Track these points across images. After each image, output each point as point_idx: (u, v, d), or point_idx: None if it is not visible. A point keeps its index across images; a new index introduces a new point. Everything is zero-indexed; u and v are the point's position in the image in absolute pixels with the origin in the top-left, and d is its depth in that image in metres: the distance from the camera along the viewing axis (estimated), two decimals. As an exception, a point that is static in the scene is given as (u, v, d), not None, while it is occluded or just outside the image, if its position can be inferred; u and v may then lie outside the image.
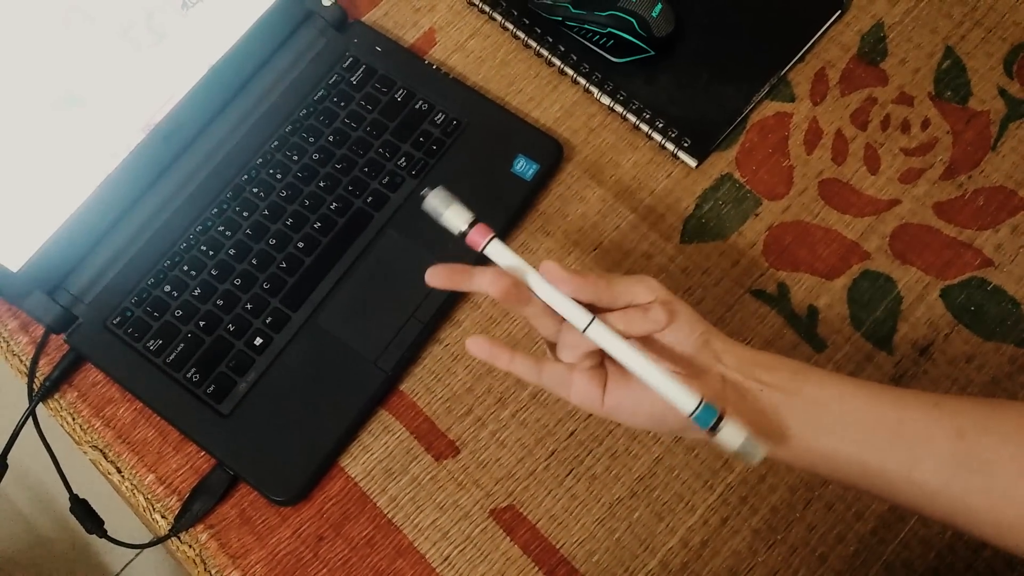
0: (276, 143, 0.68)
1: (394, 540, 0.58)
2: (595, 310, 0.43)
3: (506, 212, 0.65)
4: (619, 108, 0.69)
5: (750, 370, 0.43)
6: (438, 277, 0.43)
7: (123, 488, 0.61)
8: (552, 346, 0.46)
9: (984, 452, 0.39)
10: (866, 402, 0.42)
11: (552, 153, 0.67)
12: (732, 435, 0.41)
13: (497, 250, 0.43)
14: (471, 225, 0.43)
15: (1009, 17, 0.70)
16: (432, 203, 0.43)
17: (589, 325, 0.41)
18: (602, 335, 0.42)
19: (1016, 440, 0.39)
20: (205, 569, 0.58)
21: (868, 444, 0.42)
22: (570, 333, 0.43)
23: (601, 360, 0.45)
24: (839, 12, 0.71)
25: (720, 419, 0.40)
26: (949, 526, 0.43)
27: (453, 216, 0.43)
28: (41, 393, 0.62)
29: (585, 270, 0.43)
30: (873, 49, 0.70)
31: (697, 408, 0.40)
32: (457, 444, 0.60)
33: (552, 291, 0.42)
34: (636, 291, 0.43)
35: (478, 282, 0.43)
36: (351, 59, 0.70)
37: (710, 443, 0.42)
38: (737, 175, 0.67)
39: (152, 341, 0.62)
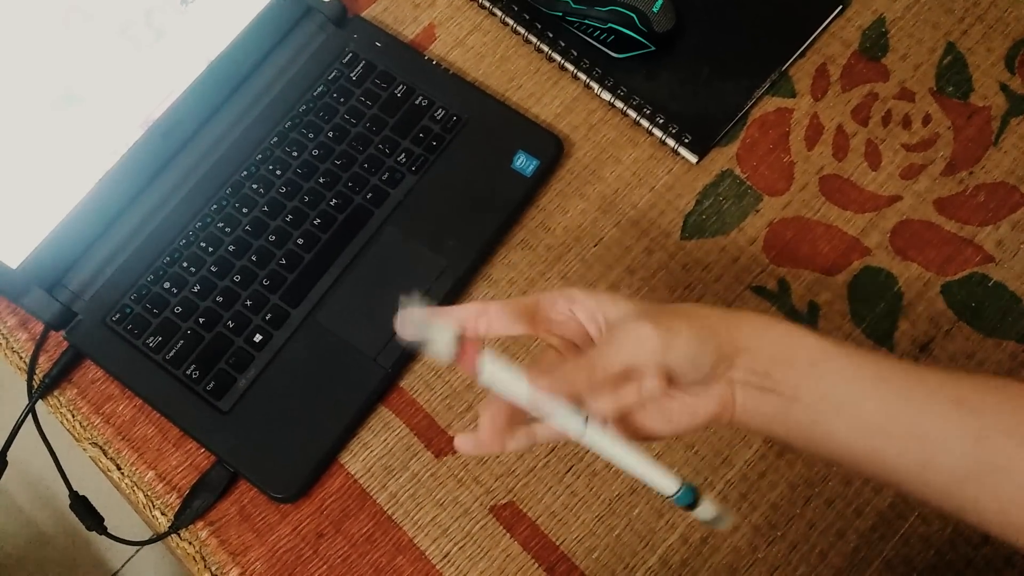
0: (275, 139, 0.68)
1: (394, 537, 0.58)
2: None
3: (506, 208, 0.65)
4: (619, 104, 0.68)
5: (764, 369, 0.42)
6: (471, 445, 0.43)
7: (123, 485, 0.61)
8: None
9: (1001, 457, 0.39)
10: (883, 402, 0.41)
11: (552, 149, 0.67)
12: (706, 511, 0.42)
13: (492, 369, 0.41)
14: (459, 345, 0.41)
15: (1011, 12, 0.70)
16: (407, 329, 0.41)
17: (584, 433, 0.40)
18: (597, 441, 0.40)
19: None
20: (205, 566, 0.58)
21: (881, 443, 0.41)
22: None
23: None
24: (840, 7, 0.70)
25: (697, 498, 0.41)
26: (957, 519, 0.43)
27: (435, 345, 0.41)
28: (40, 390, 0.62)
29: (570, 360, 0.40)
30: (874, 44, 0.70)
31: (677, 491, 0.41)
32: (457, 441, 0.60)
33: (545, 401, 0.40)
34: (633, 361, 0.40)
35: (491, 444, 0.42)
36: (350, 55, 0.70)
37: (708, 440, 0.42)
38: (738, 171, 0.67)
39: (151, 338, 0.62)
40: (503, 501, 0.59)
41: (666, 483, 0.41)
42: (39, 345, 0.64)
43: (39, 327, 0.65)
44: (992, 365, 0.59)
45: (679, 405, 0.42)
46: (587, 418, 0.40)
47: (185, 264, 0.64)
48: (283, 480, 0.59)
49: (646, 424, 0.43)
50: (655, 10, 0.67)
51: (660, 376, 0.39)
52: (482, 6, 0.73)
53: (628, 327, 0.40)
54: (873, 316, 0.62)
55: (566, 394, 0.39)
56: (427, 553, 0.58)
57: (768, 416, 0.42)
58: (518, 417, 0.42)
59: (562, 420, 0.40)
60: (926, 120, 0.67)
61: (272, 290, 0.63)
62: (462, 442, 0.43)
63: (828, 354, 0.42)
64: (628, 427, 0.43)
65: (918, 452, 0.40)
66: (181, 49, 0.66)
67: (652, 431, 0.43)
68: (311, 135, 0.68)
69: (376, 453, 0.60)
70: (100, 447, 0.62)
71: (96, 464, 0.62)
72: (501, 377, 0.41)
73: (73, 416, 0.63)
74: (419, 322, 0.40)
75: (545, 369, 0.40)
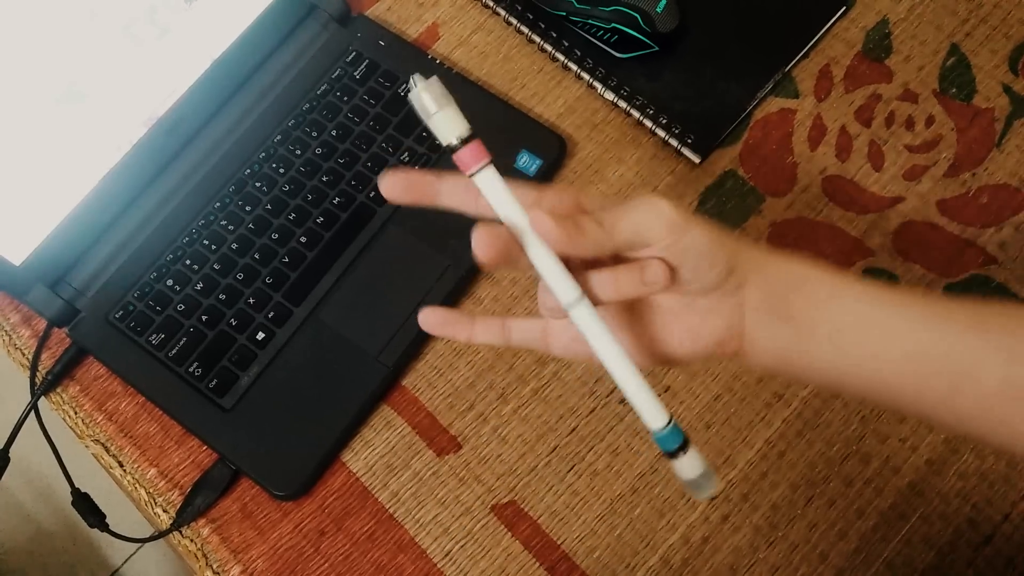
0: (279, 137, 0.68)
1: (395, 535, 0.58)
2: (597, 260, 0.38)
3: (509, 208, 0.65)
4: (623, 104, 0.68)
5: (780, 295, 0.39)
6: (393, 187, 0.37)
7: (125, 482, 0.61)
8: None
9: None
10: (911, 332, 0.38)
11: (555, 148, 0.67)
12: (689, 466, 0.36)
13: (489, 183, 0.35)
14: (463, 141, 0.35)
15: (1014, 14, 0.70)
16: (422, 98, 0.35)
17: (574, 305, 0.35)
18: (585, 321, 0.36)
19: None
20: (207, 563, 0.58)
21: (905, 375, 0.38)
22: (547, 293, 0.37)
23: None
24: (844, 8, 0.70)
25: (684, 445, 0.36)
26: (983, 443, 0.41)
27: (443, 122, 0.35)
28: (43, 387, 0.62)
29: (581, 215, 0.36)
30: (878, 46, 0.70)
31: (665, 427, 0.36)
32: (459, 439, 0.60)
33: (543, 253, 0.35)
34: (644, 229, 0.36)
35: (449, 198, 0.37)
36: (354, 53, 0.70)
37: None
38: (740, 171, 0.67)
39: (154, 335, 0.62)
40: (504, 500, 0.59)
41: (654, 412, 0.36)
42: (42, 342, 0.64)
43: (42, 324, 0.65)
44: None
45: (682, 322, 0.39)
46: (582, 294, 0.36)
47: (188, 262, 0.64)
48: (285, 478, 0.59)
49: (645, 334, 0.40)
50: (659, 10, 0.67)
51: (665, 267, 0.37)
52: (486, 6, 0.73)
53: (646, 198, 0.37)
54: (875, 317, 0.62)
55: (562, 246, 0.35)
56: (428, 551, 0.58)
57: (780, 348, 0.39)
58: (511, 253, 0.36)
59: (554, 282, 0.35)
60: (929, 121, 0.67)
61: (275, 288, 0.63)
62: (426, 313, 0.39)
63: (847, 284, 0.39)
64: (624, 333, 0.40)
65: (946, 382, 0.38)
66: (185, 47, 0.66)
67: (652, 345, 0.40)
68: (314, 133, 0.68)
69: (378, 451, 0.60)
70: (102, 444, 0.62)
71: (98, 461, 0.62)
72: (496, 193, 0.35)
73: (75, 413, 0.63)
74: (436, 94, 0.36)
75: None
